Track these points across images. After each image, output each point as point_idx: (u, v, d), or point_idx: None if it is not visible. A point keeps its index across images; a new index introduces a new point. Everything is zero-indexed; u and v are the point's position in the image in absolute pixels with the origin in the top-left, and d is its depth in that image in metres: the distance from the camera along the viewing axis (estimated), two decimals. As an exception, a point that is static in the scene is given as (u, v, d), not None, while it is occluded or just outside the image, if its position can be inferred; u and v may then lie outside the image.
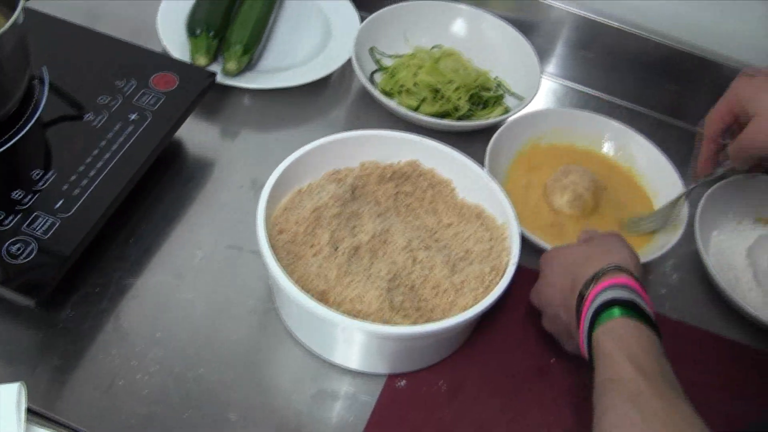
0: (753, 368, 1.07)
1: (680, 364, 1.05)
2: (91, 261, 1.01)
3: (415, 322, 0.92)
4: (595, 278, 0.88)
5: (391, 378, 0.98)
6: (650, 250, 1.12)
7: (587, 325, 0.86)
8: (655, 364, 0.80)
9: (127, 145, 1.04)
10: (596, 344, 0.84)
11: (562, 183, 1.17)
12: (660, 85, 1.41)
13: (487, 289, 0.95)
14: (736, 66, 1.33)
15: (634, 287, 0.87)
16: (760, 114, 1.02)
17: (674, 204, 1.16)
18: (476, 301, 0.93)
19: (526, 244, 1.05)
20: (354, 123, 1.28)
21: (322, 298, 0.93)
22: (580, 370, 1.01)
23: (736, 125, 1.08)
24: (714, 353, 1.08)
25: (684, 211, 1.15)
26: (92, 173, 1.00)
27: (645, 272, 1.15)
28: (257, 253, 1.03)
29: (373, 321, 0.91)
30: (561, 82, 1.45)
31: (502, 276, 0.95)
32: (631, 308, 0.84)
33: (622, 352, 0.81)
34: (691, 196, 1.16)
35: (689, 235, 1.14)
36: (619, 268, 0.88)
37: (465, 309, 0.93)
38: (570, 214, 1.16)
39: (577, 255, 0.95)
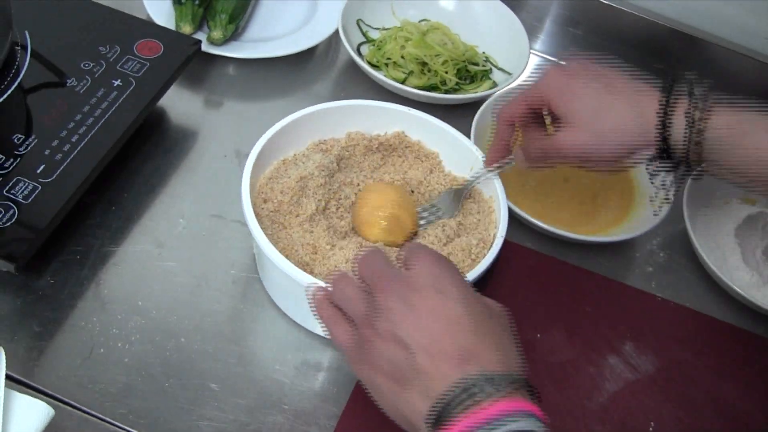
0: (738, 347, 1.07)
1: (665, 343, 1.05)
2: (71, 228, 1.00)
3: (400, 294, 0.91)
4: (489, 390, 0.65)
5: (376, 350, 0.97)
6: (636, 225, 1.11)
7: None
8: None
9: (111, 111, 1.02)
10: None
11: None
12: (647, 64, 1.40)
13: (474, 262, 0.94)
14: (723, 45, 1.33)
15: (540, 417, 0.66)
16: (575, 124, 0.91)
17: (453, 193, 1.03)
18: (463, 273, 0.92)
19: (514, 219, 1.05)
20: (340, 95, 1.27)
21: (306, 267, 0.92)
22: (565, 346, 1.01)
23: (533, 121, 0.98)
24: (700, 332, 1.07)
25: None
26: (74, 139, 0.98)
27: (631, 250, 1.14)
28: (240, 223, 1.02)
29: (359, 292, 0.89)
30: (549, 58, 1.44)
31: (489, 248, 0.94)
32: None
33: None
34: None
35: (677, 213, 1.13)
36: (519, 381, 0.68)
37: (451, 281, 0.92)
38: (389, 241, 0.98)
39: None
